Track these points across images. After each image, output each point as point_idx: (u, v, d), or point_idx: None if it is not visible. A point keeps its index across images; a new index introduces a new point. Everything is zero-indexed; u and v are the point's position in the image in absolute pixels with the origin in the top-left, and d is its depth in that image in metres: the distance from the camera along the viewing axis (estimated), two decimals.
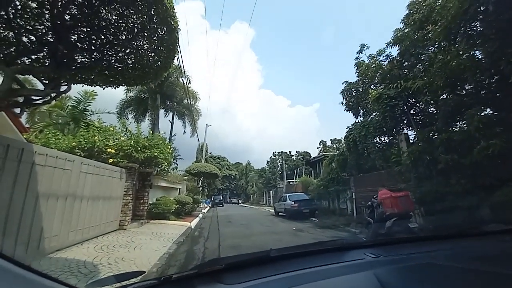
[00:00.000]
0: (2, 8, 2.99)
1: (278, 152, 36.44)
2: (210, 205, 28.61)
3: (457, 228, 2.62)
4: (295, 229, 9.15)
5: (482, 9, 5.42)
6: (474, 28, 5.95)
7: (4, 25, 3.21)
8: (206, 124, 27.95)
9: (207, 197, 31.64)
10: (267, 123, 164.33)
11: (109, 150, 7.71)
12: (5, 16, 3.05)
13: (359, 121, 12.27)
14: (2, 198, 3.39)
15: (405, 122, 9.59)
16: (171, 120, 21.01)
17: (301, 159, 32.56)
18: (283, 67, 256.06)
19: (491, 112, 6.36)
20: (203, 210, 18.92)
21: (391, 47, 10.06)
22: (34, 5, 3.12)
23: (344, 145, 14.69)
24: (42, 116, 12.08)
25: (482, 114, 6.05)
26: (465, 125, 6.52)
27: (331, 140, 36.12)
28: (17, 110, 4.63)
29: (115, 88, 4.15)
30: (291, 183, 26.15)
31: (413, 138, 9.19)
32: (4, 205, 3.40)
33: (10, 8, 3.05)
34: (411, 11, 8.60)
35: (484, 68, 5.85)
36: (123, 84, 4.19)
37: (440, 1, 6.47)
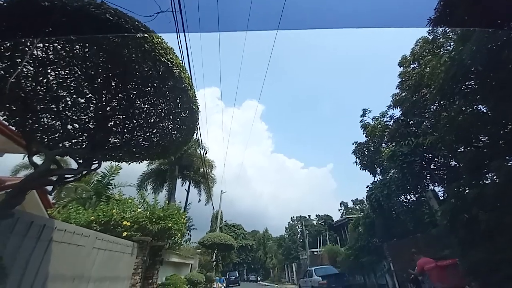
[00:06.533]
0: (53, 103, 3.68)
1: (297, 217, 34.12)
2: (224, 285, 25.09)
3: None
4: None
5: (473, 69, 5.65)
6: (470, 86, 6.26)
7: (53, 116, 3.83)
8: (221, 191, 27.74)
9: (221, 274, 28.19)
10: (282, 186, 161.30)
11: (124, 222, 7.66)
12: (55, 109, 3.69)
13: (378, 179, 11.83)
14: (11, 281, 3.26)
15: (428, 178, 9.11)
16: (187, 189, 21.33)
17: (323, 223, 30.01)
18: (292, 132, 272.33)
19: None
20: None
21: (393, 109, 10.68)
22: (82, 100, 3.82)
23: (367, 206, 13.70)
24: (68, 192, 12.71)
25: (510, 164, 5.69)
26: (495, 177, 6.06)
27: (352, 201, 34.12)
28: (49, 187, 5.04)
29: (139, 163, 4.54)
30: (315, 253, 23.24)
31: (442, 195, 8.50)
32: None
33: (60, 102, 3.74)
34: (403, 79, 9.53)
35: (492, 120, 5.87)
36: (147, 159, 4.58)
37: (428, 69, 7.21)
